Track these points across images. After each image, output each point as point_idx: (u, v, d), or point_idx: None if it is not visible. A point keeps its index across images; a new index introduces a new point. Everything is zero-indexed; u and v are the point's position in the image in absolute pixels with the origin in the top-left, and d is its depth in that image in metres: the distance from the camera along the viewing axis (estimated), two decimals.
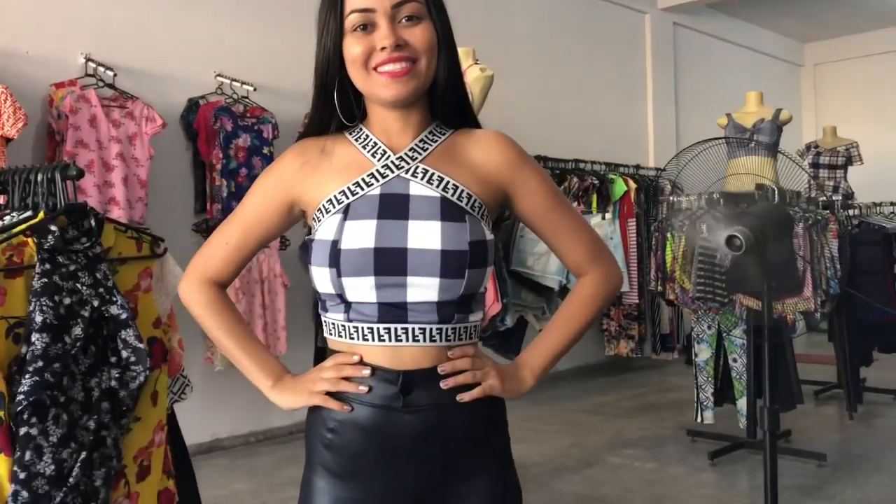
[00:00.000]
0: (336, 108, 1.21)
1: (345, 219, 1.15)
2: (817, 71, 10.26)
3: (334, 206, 1.17)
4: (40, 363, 1.57)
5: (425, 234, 1.13)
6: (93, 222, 1.75)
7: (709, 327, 4.34)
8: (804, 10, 8.73)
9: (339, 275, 1.13)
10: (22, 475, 1.57)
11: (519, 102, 6.01)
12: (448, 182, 1.18)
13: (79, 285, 1.67)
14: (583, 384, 6.11)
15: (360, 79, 1.17)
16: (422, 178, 1.18)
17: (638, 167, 6.56)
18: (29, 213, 1.73)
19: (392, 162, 1.19)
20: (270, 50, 4.68)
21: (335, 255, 1.13)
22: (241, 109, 4.42)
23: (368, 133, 1.22)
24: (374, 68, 1.15)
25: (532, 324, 4.24)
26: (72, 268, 1.67)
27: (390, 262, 1.13)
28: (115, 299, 1.72)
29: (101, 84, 3.94)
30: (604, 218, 5.50)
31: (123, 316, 1.71)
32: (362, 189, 1.17)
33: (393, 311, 1.14)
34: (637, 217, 6.01)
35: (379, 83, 1.15)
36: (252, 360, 1.24)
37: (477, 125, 1.28)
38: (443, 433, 1.16)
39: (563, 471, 3.98)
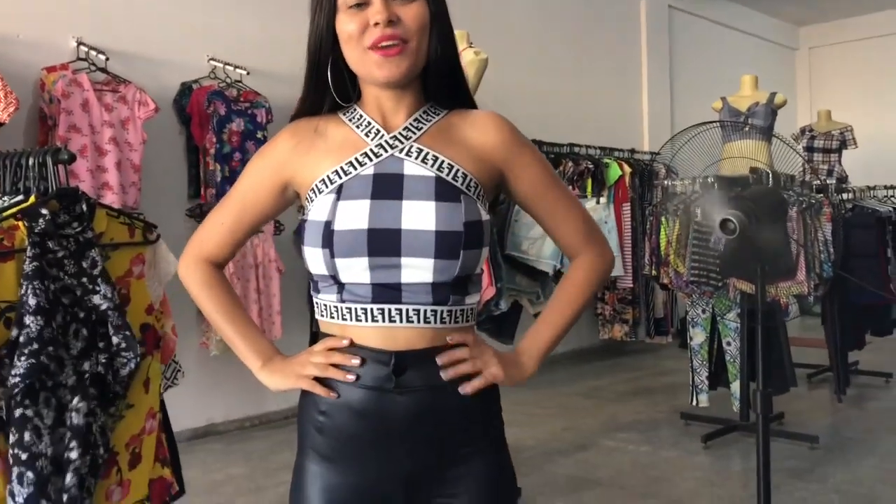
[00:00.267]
0: (329, 88, 1.20)
1: (338, 199, 1.14)
2: (812, 54, 10.24)
3: (327, 186, 1.16)
4: (35, 345, 1.57)
5: (419, 215, 1.12)
6: (84, 207, 1.74)
7: (703, 311, 4.35)
8: None
9: (332, 255, 1.12)
10: (24, 456, 1.57)
11: (514, 86, 5.98)
12: (443, 161, 1.17)
13: (62, 273, 1.66)
14: (577, 368, 6.13)
15: (354, 58, 1.16)
16: (416, 158, 1.16)
17: (633, 151, 6.55)
18: (20, 198, 1.72)
19: (386, 141, 1.18)
20: (264, 34, 4.65)
21: (328, 236, 1.12)
22: (235, 93, 4.40)
23: (362, 113, 1.21)
24: (368, 48, 1.14)
25: (526, 308, 4.24)
26: (59, 254, 1.67)
27: (384, 243, 1.11)
28: (98, 289, 1.71)
29: (93, 68, 3.91)
30: (598, 202, 5.50)
31: (104, 307, 1.71)
32: (355, 169, 1.16)
33: (387, 292, 1.13)
34: (632, 201, 6.01)
35: (372, 62, 1.14)
36: (244, 340, 1.24)
37: (473, 106, 1.27)
38: (436, 415, 1.15)
39: (556, 454, 3.99)
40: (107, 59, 3.98)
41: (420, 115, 1.21)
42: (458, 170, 1.17)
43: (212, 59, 4.45)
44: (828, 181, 5.39)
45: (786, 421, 4.44)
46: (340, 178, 1.16)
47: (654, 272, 4.41)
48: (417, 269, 1.12)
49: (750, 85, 5.23)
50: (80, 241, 1.71)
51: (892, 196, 5.48)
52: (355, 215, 1.12)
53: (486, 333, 3.96)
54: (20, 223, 1.65)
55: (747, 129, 4.60)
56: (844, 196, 5.09)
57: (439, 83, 1.21)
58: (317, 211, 1.15)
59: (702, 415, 4.41)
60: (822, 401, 5.11)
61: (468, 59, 3.47)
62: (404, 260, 1.12)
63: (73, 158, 1.80)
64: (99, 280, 1.71)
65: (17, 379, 1.55)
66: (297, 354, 1.22)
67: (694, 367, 4.38)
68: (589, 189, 5.76)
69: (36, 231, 1.63)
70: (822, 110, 7.39)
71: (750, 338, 4.06)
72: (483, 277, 3.50)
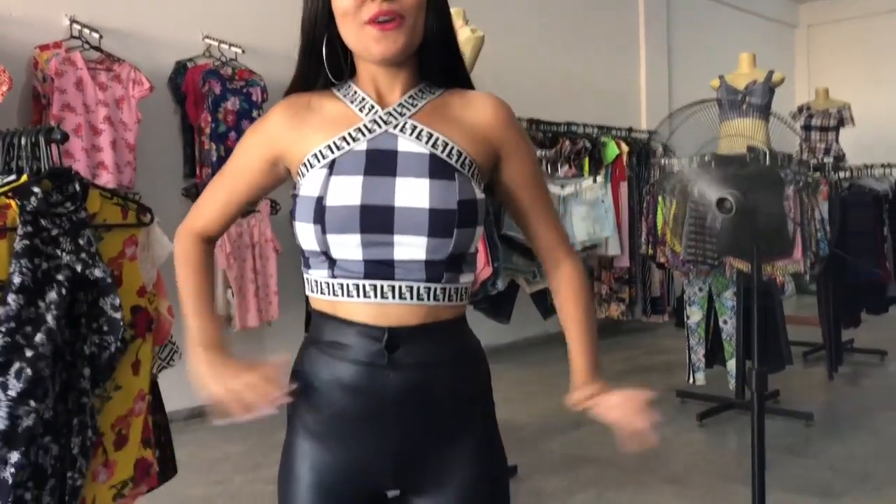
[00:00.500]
0: (324, 64, 1.19)
1: (330, 174, 1.13)
2: (811, 32, 10.18)
3: (319, 161, 1.15)
4: (13, 324, 1.57)
5: (413, 192, 1.11)
6: (77, 187, 1.73)
7: (700, 290, 4.36)
8: None
9: (323, 231, 1.11)
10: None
11: (510, 64, 5.95)
12: (438, 138, 1.15)
13: (58, 251, 1.66)
14: None
15: (350, 33, 1.14)
16: (410, 134, 1.15)
17: (630, 130, 6.52)
18: (13, 177, 1.71)
19: (380, 117, 1.17)
20: (259, 12, 4.61)
21: (320, 212, 1.11)
22: (230, 72, 4.37)
23: (357, 88, 1.20)
24: (365, 23, 1.12)
25: (523, 287, 4.25)
26: (54, 232, 1.66)
27: (376, 220, 1.10)
28: (98, 264, 1.71)
29: (86, 46, 3.88)
30: (595, 181, 5.48)
31: (109, 280, 1.71)
32: (348, 144, 1.15)
33: (380, 269, 1.12)
34: (629, 180, 5.99)
35: (370, 37, 1.12)
36: (198, 319, 1.23)
37: (470, 85, 1.26)
38: (428, 392, 1.15)
39: (551, 431, 4.01)
40: (101, 37, 3.95)
41: (415, 93, 1.20)
42: (452, 147, 1.15)
43: (207, 37, 4.41)
44: (825, 160, 5.39)
45: (781, 398, 4.46)
46: (333, 153, 1.15)
47: (650, 251, 4.42)
48: (410, 247, 1.11)
49: (748, 63, 5.19)
50: (73, 221, 1.70)
51: (889, 174, 5.48)
52: (348, 191, 1.11)
53: (482, 313, 3.97)
54: (12, 202, 1.64)
55: (745, 107, 4.58)
56: (841, 174, 5.09)
57: (436, 61, 1.20)
58: (308, 186, 1.14)
59: (697, 393, 4.43)
60: (817, 379, 5.13)
61: (464, 37, 3.45)
62: (397, 237, 1.11)
63: (65, 138, 1.79)
64: (97, 256, 1.71)
65: None
66: (234, 364, 1.18)
67: (690, 346, 4.39)
68: (586, 168, 5.74)
69: (28, 209, 1.63)
70: (820, 88, 7.35)
71: (746, 316, 4.07)
72: (479, 257, 3.50)
